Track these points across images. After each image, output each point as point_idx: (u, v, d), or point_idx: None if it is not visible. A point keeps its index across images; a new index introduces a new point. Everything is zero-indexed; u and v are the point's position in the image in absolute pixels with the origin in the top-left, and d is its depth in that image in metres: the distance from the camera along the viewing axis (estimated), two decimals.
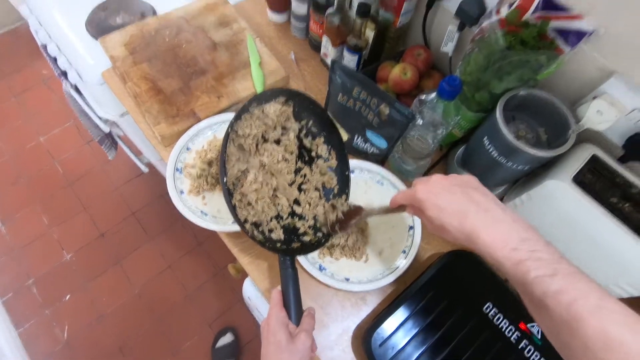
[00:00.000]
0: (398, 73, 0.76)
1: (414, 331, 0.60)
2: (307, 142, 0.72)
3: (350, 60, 0.81)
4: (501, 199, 0.76)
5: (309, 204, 0.68)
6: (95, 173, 1.74)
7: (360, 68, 0.84)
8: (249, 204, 0.62)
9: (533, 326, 0.61)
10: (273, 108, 0.68)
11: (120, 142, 1.28)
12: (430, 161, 0.76)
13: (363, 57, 0.82)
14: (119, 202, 1.69)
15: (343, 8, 0.76)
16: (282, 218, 0.66)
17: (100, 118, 1.02)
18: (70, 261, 1.56)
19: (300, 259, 0.67)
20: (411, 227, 0.71)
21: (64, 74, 1.01)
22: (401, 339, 0.59)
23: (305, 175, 0.70)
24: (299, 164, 0.70)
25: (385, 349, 0.58)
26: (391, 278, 0.66)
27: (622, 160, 0.63)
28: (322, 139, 0.73)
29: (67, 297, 1.49)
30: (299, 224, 0.66)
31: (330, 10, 0.78)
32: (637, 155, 0.61)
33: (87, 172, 1.74)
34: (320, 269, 0.67)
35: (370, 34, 0.79)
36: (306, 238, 0.66)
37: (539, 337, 0.60)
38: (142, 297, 1.51)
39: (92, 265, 1.56)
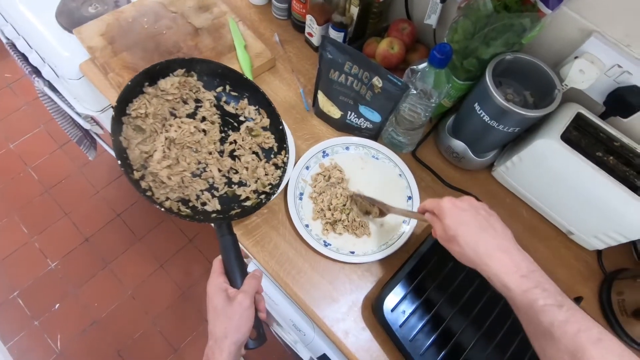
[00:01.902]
0: (385, 47, 0.76)
1: (423, 294, 0.62)
2: (230, 108, 0.70)
3: (335, 38, 0.81)
4: (492, 165, 0.79)
5: (247, 169, 0.67)
6: (73, 177, 1.68)
7: None
8: (163, 182, 0.61)
9: None
10: (170, 82, 0.65)
11: (100, 141, 1.23)
12: (422, 132, 0.77)
13: (348, 34, 0.82)
14: (101, 205, 1.63)
15: None
16: (217, 189, 0.65)
17: (79, 115, 0.98)
18: (55, 269, 1.50)
19: (305, 236, 0.67)
20: (410, 197, 0.73)
21: (36, 71, 0.96)
22: (411, 303, 0.61)
23: (235, 142, 0.69)
24: (227, 132, 0.69)
25: (397, 314, 0.60)
26: (394, 247, 0.68)
27: (603, 116, 0.66)
28: (246, 101, 0.71)
29: (57, 306, 1.44)
30: (239, 191, 0.66)
31: None
32: (618, 111, 0.65)
33: (65, 177, 1.67)
34: (325, 244, 0.68)
35: (354, 10, 0.79)
36: (248, 203, 0.65)
37: None
38: (136, 299, 1.48)
39: (79, 271, 1.51)
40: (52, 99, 1.00)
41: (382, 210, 0.67)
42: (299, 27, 0.90)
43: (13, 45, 0.96)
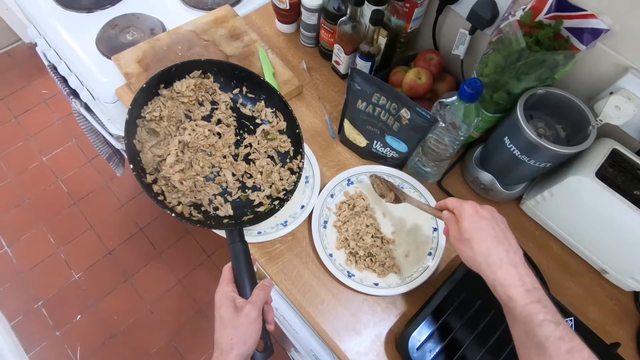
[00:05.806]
0: (412, 77, 0.77)
1: (450, 332, 0.60)
2: (246, 110, 0.69)
3: (362, 67, 0.82)
4: (520, 197, 0.77)
5: (261, 174, 0.66)
6: (100, 190, 1.73)
7: (373, 74, 0.85)
8: (175, 187, 0.60)
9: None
10: (185, 84, 0.64)
11: None
12: (449, 163, 0.77)
13: (375, 63, 0.83)
14: (125, 218, 1.68)
15: (355, 16, 0.78)
16: (230, 194, 0.64)
17: (111, 135, 1.02)
18: (79, 281, 1.54)
19: (329, 265, 0.67)
20: (435, 229, 0.72)
21: (74, 93, 1.01)
22: (438, 342, 0.59)
23: (251, 145, 0.67)
24: (242, 135, 0.68)
25: (423, 352, 0.58)
26: (421, 280, 0.66)
27: None
28: (263, 103, 0.69)
29: (78, 317, 1.47)
30: (252, 196, 0.64)
31: (342, 19, 0.79)
32: None
33: (92, 190, 1.73)
34: (349, 275, 0.67)
35: (382, 40, 0.80)
36: (261, 209, 0.64)
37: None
38: (154, 313, 1.50)
39: (101, 283, 1.54)
40: (86, 119, 1.04)
41: (398, 196, 0.66)
42: (326, 54, 0.92)
43: (54, 68, 1.02)
